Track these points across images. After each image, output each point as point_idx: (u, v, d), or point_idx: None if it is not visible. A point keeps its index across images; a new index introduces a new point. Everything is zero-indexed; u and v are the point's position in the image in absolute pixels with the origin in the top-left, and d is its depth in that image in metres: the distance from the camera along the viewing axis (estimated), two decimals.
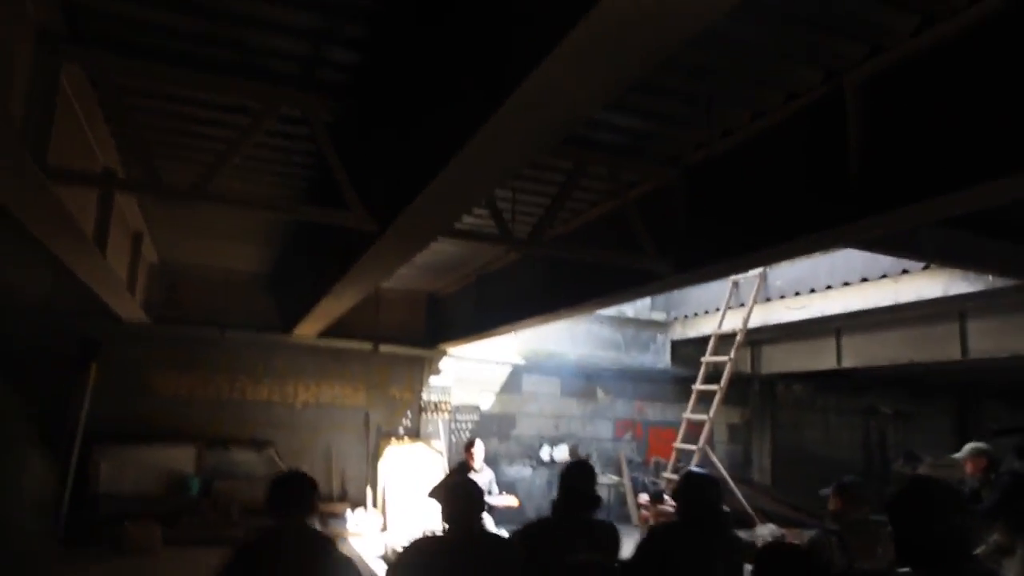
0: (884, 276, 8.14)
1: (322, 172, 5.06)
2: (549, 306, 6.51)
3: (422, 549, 3.20)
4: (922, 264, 7.33)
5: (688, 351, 11.55)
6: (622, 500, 10.70)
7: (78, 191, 4.25)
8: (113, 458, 8.28)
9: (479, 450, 6.81)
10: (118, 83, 3.73)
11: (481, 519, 3.28)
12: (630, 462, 11.18)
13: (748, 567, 3.05)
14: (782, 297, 9.34)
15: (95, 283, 6.05)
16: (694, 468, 4.21)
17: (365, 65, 3.71)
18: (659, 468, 10.97)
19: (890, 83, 3.45)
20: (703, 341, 11.40)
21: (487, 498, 6.71)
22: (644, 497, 8.47)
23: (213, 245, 7.99)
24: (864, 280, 8.16)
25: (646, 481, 10.88)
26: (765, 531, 9.41)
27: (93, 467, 8.14)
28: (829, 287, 8.63)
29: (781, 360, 10.90)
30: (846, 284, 8.41)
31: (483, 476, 6.83)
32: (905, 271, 7.71)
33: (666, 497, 8.21)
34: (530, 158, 3.14)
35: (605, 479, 10.33)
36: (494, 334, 8.39)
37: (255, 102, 3.86)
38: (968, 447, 6.07)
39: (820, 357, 10.39)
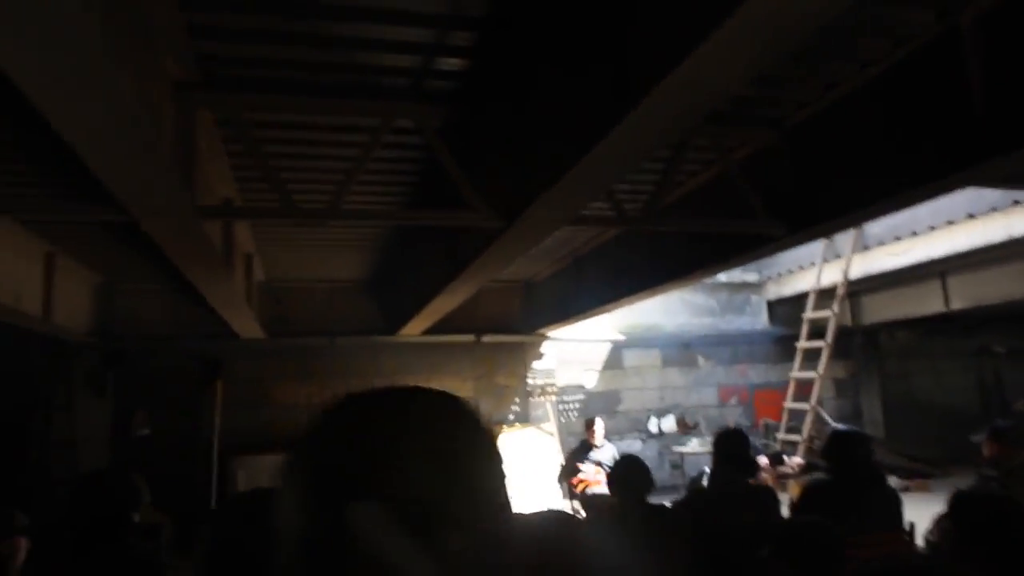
0: (993, 210, 7.84)
1: (426, 177, 5.24)
2: (654, 280, 6.55)
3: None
4: None
5: (784, 310, 11.39)
6: None
7: (211, 222, 4.55)
8: (248, 467, 8.78)
9: (599, 427, 6.93)
10: (245, 119, 3.96)
11: (650, 490, 3.39)
12: (737, 426, 11.11)
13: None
14: (881, 244, 9.10)
15: (223, 305, 6.42)
16: (839, 426, 4.21)
17: (473, 70, 3.84)
18: (769, 430, 10.87)
19: (1008, 15, 3.37)
20: (799, 298, 11.22)
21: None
22: (762, 460, 8.40)
23: (314, 258, 8.32)
24: (971, 217, 7.87)
25: (757, 444, 10.80)
26: (892, 483, 9.24)
27: (231, 477, 8.66)
28: (932, 228, 8.36)
29: (883, 309, 10.57)
30: (950, 223, 8.13)
31: (606, 452, 6.96)
32: (1017, 202, 7.41)
33: (785, 458, 8.15)
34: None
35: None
36: (596, 313, 8.48)
37: (372, 119, 4.03)
38: None
39: (926, 301, 10.05)
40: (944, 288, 9.80)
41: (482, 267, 5.25)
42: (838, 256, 9.64)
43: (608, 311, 8.50)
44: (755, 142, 4.88)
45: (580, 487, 6.77)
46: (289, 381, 9.27)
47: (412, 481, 0.72)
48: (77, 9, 1.83)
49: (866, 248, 9.22)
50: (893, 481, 9.35)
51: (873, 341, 11.74)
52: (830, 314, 9.32)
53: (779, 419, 11.11)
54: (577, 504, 6.86)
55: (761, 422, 11.10)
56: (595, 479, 6.75)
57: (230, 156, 4.68)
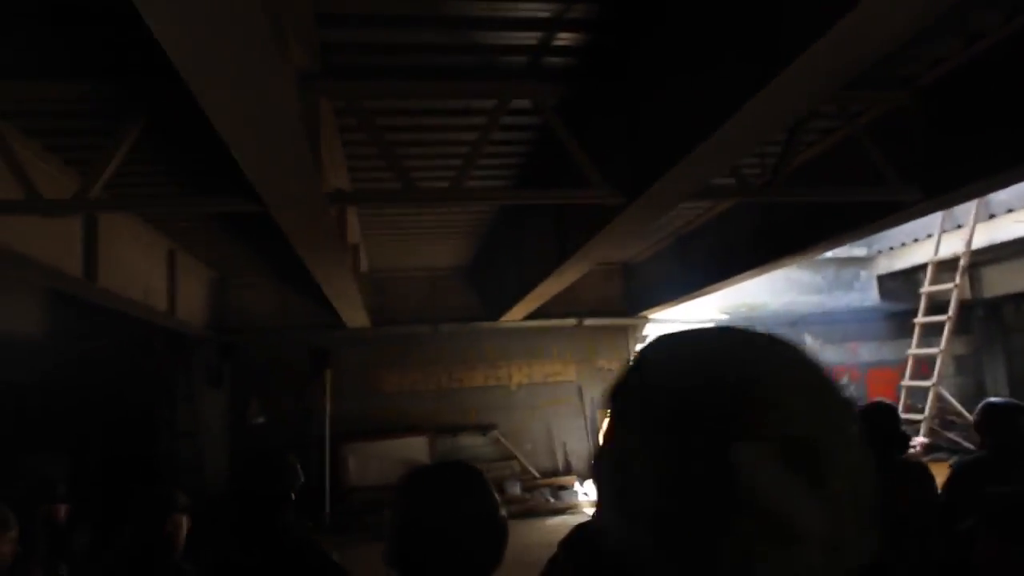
0: None
1: (537, 158, 5.20)
2: (764, 257, 6.31)
3: None
4: None
5: (895, 284, 10.83)
6: None
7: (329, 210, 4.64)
8: (358, 453, 9.02)
9: None
10: (364, 106, 4.01)
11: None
12: None
13: None
14: (1009, 211, 8.51)
15: (336, 294, 6.58)
16: (994, 399, 3.94)
17: (592, 45, 3.76)
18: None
19: None
20: (911, 272, 10.65)
21: None
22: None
23: (415, 247, 8.43)
24: None
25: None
26: None
27: (343, 463, 8.92)
28: None
29: (1008, 280, 9.89)
30: None
31: None
32: None
33: (915, 439, 7.75)
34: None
35: None
36: (701, 294, 8.28)
37: (488, 100, 4.01)
38: None
39: None
40: None
41: (596, 246, 5.17)
42: (959, 226, 9.08)
43: (713, 291, 8.27)
44: (884, 104, 4.61)
45: None
46: (393, 369, 9.46)
47: (791, 419, 0.66)
48: None
49: (992, 216, 8.65)
50: None
51: (996, 315, 11.03)
52: (952, 287, 8.80)
53: (894, 398, 10.62)
54: None
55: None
56: None
57: (345, 144, 4.76)
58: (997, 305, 11.04)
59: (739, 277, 7.55)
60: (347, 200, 3.96)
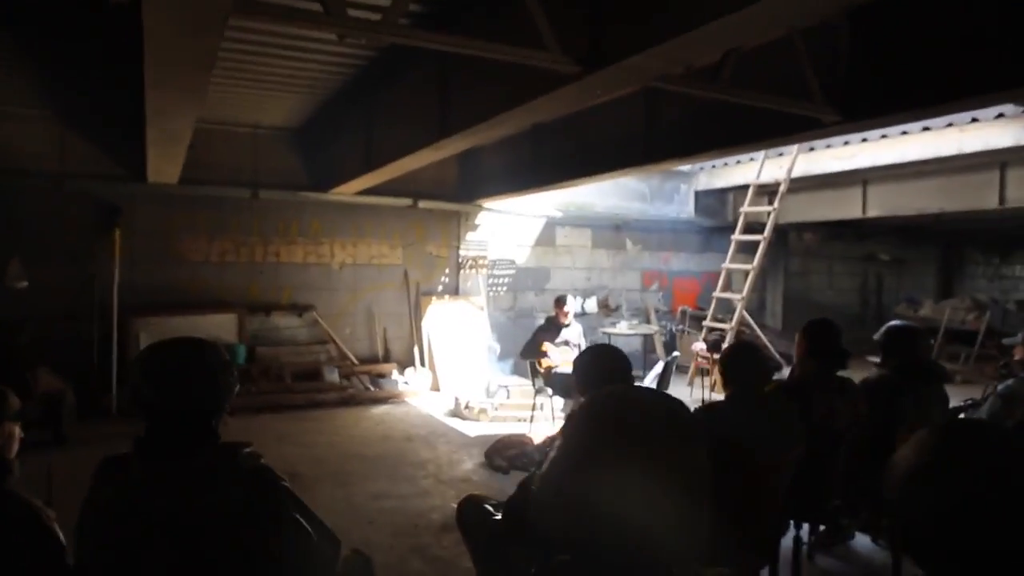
0: (926, 129, 8.07)
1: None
2: (651, 156, 6.10)
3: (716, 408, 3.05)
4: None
5: (710, 202, 11.47)
6: (650, 348, 10.91)
7: None
8: (152, 329, 7.79)
9: (571, 305, 6.65)
10: None
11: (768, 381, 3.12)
12: (656, 311, 11.31)
13: None
14: (829, 147, 9.16)
15: (165, 138, 5.34)
16: (895, 322, 4.13)
17: None
18: (685, 317, 11.15)
19: None
20: (726, 192, 11.31)
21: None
22: (700, 345, 8.60)
23: (242, 98, 7.14)
24: (926, 129, 8.02)
25: (674, 329, 11.09)
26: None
27: (134, 340, 7.67)
28: (884, 136, 8.48)
29: (801, 209, 10.77)
30: (904, 133, 8.26)
31: (574, 330, 6.72)
32: (950, 124, 7.67)
33: (723, 346, 8.34)
34: None
35: (643, 328, 10.45)
36: (555, 188, 8.03)
37: None
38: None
39: (844, 206, 10.41)
40: (864, 195, 10.19)
41: (506, 120, 4.60)
42: (780, 154, 9.66)
43: (564, 188, 8.07)
44: (818, 13, 4.46)
45: (546, 366, 6.53)
46: (200, 236, 8.19)
47: None
48: None
49: (812, 149, 9.27)
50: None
51: (783, 239, 12.15)
52: (771, 209, 9.42)
53: (695, 307, 11.43)
54: (540, 383, 6.63)
55: (679, 309, 11.35)
56: (563, 359, 6.52)
57: None
58: (785, 230, 12.15)
59: (600, 177, 7.39)
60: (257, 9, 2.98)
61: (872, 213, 10.16)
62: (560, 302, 6.64)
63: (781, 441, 2.93)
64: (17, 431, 2.32)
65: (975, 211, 9.21)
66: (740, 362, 3.08)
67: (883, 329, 4.01)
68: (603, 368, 2.60)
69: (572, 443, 1.23)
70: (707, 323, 9.76)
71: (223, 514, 1.74)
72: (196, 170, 7.62)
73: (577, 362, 2.70)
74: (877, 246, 13.69)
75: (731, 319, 9.80)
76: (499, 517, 2.75)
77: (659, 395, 1.29)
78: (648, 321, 11.05)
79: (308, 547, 1.86)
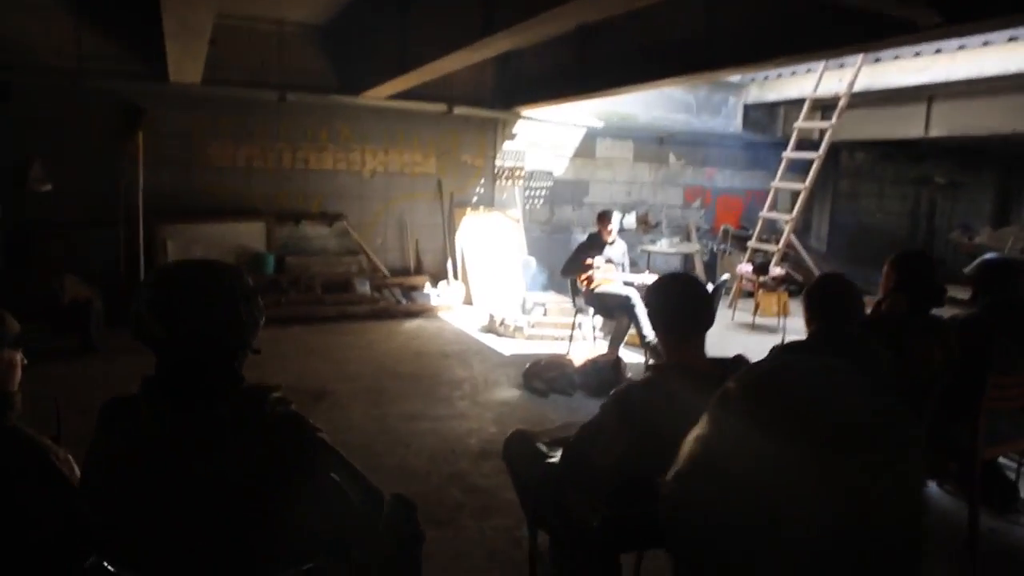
0: (986, 44, 7.35)
1: None
2: (718, 59, 5.52)
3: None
4: None
5: (759, 115, 10.82)
6: (690, 267, 10.54)
7: None
8: (179, 236, 7.58)
9: (616, 221, 6.27)
10: None
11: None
12: (698, 229, 10.87)
13: None
14: (896, 58, 8.44)
15: (183, 31, 4.93)
16: (989, 256, 3.74)
17: None
18: (727, 236, 10.70)
19: None
20: (777, 106, 10.63)
21: (623, 274, 6.35)
22: (746, 267, 8.21)
23: None
24: (1013, 39, 7.29)
25: (716, 249, 10.66)
26: None
27: (160, 247, 7.46)
28: (962, 47, 7.76)
29: (857, 127, 10.07)
30: (987, 44, 7.53)
31: (618, 248, 6.37)
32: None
33: (772, 269, 7.95)
34: None
35: (683, 247, 10.06)
36: (599, 96, 7.49)
37: None
38: None
39: (905, 125, 9.74)
40: (928, 114, 9.49)
41: (558, 16, 4.12)
42: (841, 65, 8.94)
43: (616, 95, 7.53)
44: None
45: (589, 284, 6.21)
46: (225, 140, 7.83)
47: None
48: None
49: (878, 60, 8.55)
50: None
51: (834, 159, 11.49)
52: (828, 125, 8.79)
53: (737, 226, 10.96)
54: (582, 302, 6.34)
55: (721, 228, 10.89)
56: (607, 277, 6.20)
57: None
58: (837, 149, 11.47)
59: (652, 84, 6.86)
60: None
61: (935, 133, 9.50)
62: (604, 217, 6.25)
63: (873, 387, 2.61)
64: (19, 358, 2.02)
65: None
66: (831, 295, 2.73)
67: (976, 263, 3.62)
68: (684, 307, 2.25)
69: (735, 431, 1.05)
70: (752, 244, 9.32)
71: (247, 473, 1.47)
72: (219, 70, 7.21)
73: (652, 297, 2.35)
74: (932, 168, 12.93)
75: (776, 240, 9.36)
76: (554, 460, 2.51)
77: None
78: (689, 239, 10.62)
79: (346, 509, 1.60)
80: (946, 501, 3.86)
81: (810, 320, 2.76)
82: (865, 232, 12.04)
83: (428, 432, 4.59)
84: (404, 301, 8.28)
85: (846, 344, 2.70)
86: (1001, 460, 3.96)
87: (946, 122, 9.31)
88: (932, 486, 3.94)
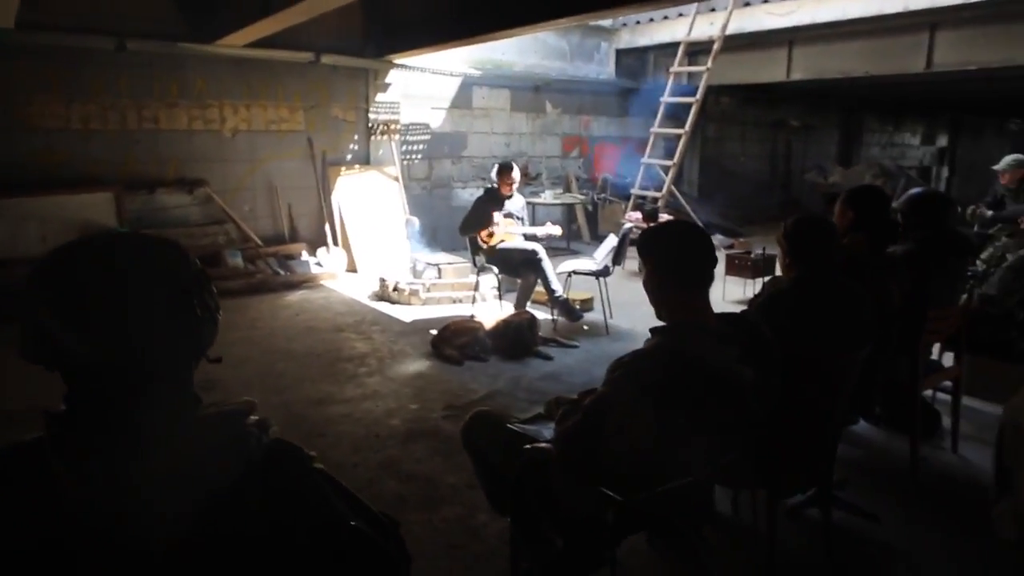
0: None
1: None
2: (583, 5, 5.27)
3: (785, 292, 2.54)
4: None
5: (631, 61, 10.79)
6: (572, 219, 10.43)
7: None
8: (5, 213, 6.48)
9: (517, 175, 5.94)
10: None
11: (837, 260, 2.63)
12: (577, 179, 10.76)
13: None
14: (765, 1, 8.60)
15: None
16: (915, 190, 3.74)
17: None
18: (607, 186, 10.68)
19: None
20: (648, 51, 10.64)
21: (524, 228, 6.08)
22: (636, 215, 8.16)
23: None
24: None
25: (595, 197, 10.61)
26: (715, 242, 9.67)
27: None
28: None
29: (723, 72, 10.29)
30: None
31: (516, 202, 6.07)
32: None
33: (661, 215, 7.95)
34: None
35: (567, 198, 9.92)
36: (475, 42, 7.07)
37: None
38: (1009, 158, 6.10)
39: (768, 69, 10.03)
40: (789, 57, 9.80)
41: None
42: (712, 9, 9.00)
43: (490, 40, 7.14)
44: None
45: (491, 240, 5.89)
46: (54, 97, 6.72)
47: None
48: None
49: (747, 4, 8.66)
50: (716, 240, 9.84)
51: (702, 103, 11.70)
52: (704, 69, 8.85)
53: (614, 174, 10.96)
54: (482, 259, 6.01)
55: (600, 176, 10.85)
56: (509, 232, 5.90)
57: None
58: (704, 96, 11.68)
59: (538, 26, 6.53)
60: None
61: (796, 76, 9.84)
62: (506, 170, 5.91)
63: (858, 332, 2.49)
64: None
65: (900, 75, 9.03)
66: (810, 237, 2.57)
67: (905, 197, 3.63)
68: (695, 258, 1.97)
69: None
70: (635, 191, 9.33)
71: (235, 550, 1.02)
72: (40, 12, 6.14)
73: (656, 249, 2.03)
74: (787, 112, 13.57)
75: (655, 187, 9.43)
76: (543, 445, 2.20)
77: None
78: (569, 190, 10.51)
79: (377, 561, 1.20)
80: (874, 433, 3.94)
81: (791, 264, 2.60)
82: (731, 175, 12.47)
83: (343, 418, 4.15)
84: (282, 272, 7.60)
85: (829, 287, 2.56)
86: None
87: (806, 66, 9.66)
88: (860, 421, 4.01)
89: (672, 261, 1.98)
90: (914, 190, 3.76)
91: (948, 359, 3.98)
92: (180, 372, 1.11)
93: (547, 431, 2.34)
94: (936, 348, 4.02)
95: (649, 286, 2.06)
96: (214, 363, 1.23)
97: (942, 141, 17.39)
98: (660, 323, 2.02)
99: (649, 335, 2.00)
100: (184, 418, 1.08)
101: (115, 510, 0.97)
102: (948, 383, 3.73)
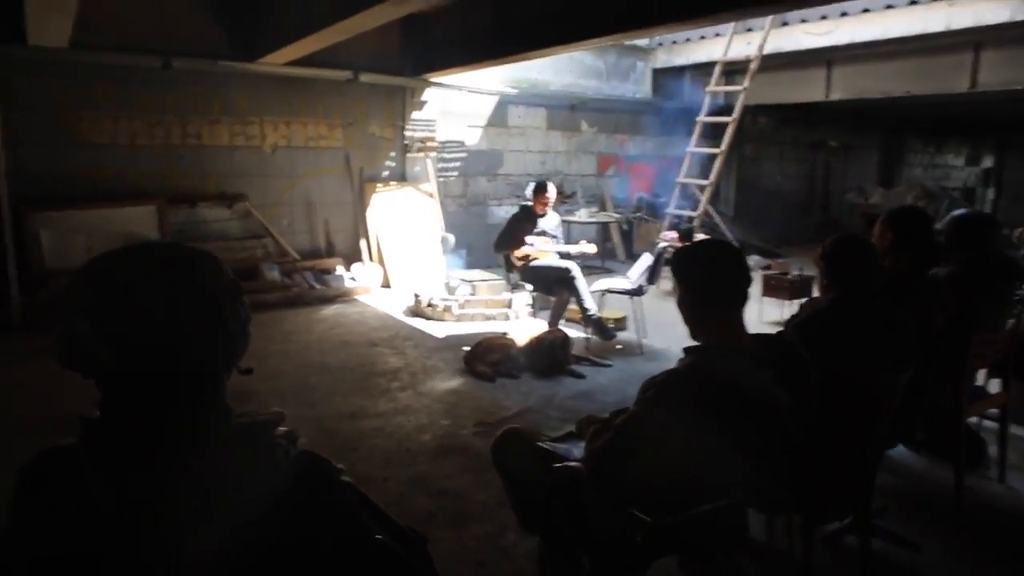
0: (889, 7, 7.57)
1: None
2: (650, 14, 5.25)
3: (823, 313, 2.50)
4: None
5: (667, 80, 10.76)
6: (607, 237, 10.40)
7: None
8: (54, 225, 6.68)
9: (553, 194, 5.95)
10: None
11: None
12: (612, 198, 10.74)
13: None
14: (803, 21, 8.53)
15: None
16: (960, 212, 3.66)
17: None
18: (642, 204, 10.64)
19: None
20: (684, 70, 10.61)
21: (559, 245, 6.07)
22: (671, 235, 8.11)
23: None
24: (914, 3, 7.47)
25: (635, 217, 10.57)
26: (751, 262, 9.55)
27: (32, 239, 6.54)
28: (867, 10, 7.90)
29: (761, 92, 10.19)
30: (889, 7, 7.69)
31: (551, 220, 6.08)
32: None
33: (697, 235, 7.89)
34: None
35: (602, 216, 9.90)
36: (520, 59, 7.13)
37: None
38: None
39: (807, 89, 9.94)
40: (828, 76, 9.70)
41: None
42: (749, 29, 8.96)
43: (537, 58, 7.18)
44: None
45: (525, 259, 5.89)
46: (104, 113, 6.93)
47: None
48: None
49: (785, 24, 8.61)
50: (753, 260, 9.72)
51: (738, 124, 11.63)
52: (741, 89, 8.80)
53: (650, 192, 10.92)
54: (516, 276, 6.01)
55: (636, 195, 10.81)
56: (543, 249, 5.90)
57: None
58: (741, 115, 11.60)
59: (576, 46, 6.56)
60: None
61: (836, 96, 9.74)
62: (541, 190, 5.92)
63: (897, 355, 2.43)
64: None
65: (943, 94, 8.87)
66: (849, 257, 2.52)
67: (948, 219, 3.54)
68: (729, 277, 1.95)
69: None
70: (670, 210, 9.28)
71: (264, 561, 1.02)
72: (91, 32, 6.35)
73: (688, 268, 2.01)
74: (826, 132, 13.40)
75: (690, 207, 9.36)
76: (572, 464, 2.18)
77: None
78: (604, 208, 10.48)
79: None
80: (916, 461, 3.83)
81: (829, 285, 2.55)
82: (768, 195, 12.33)
83: (374, 432, 4.16)
84: (318, 286, 7.69)
85: (868, 308, 2.51)
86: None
87: (845, 85, 9.55)
88: (900, 448, 3.90)
89: (705, 281, 1.96)
90: (958, 211, 3.68)
91: (995, 386, 3.86)
92: (212, 382, 1.13)
93: (577, 450, 2.31)
94: (982, 374, 3.89)
95: (683, 306, 2.03)
96: (245, 374, 1.24)
97: (988, 162, 16.98)
98: (694, 343, 2.00)
99: (683, 355, 1.97)
100: (215, 428, 1.10)
101: (146, 520, 0.99)
102: (995, 410, 3.61)
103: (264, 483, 1.05)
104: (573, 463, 2.18)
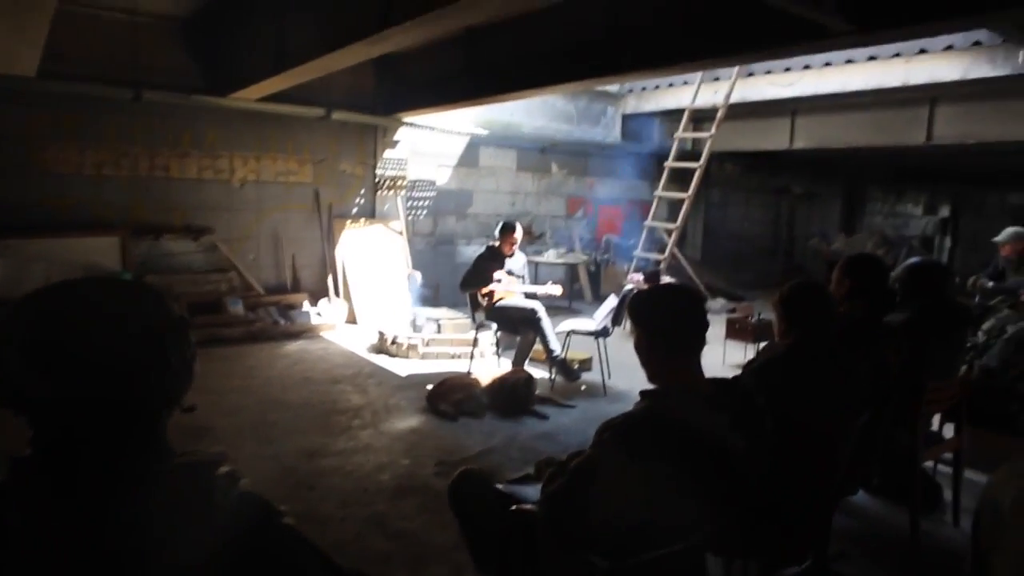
0: (849, 61, 7.87)
1: None
2: (620, 61, 5.37)
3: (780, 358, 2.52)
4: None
5: (636, 126, 10.98)
6: (574, 278, 10.47)
7: None
8: (11, 253, 6.53)
9: (519, 234, 5.99)
10: None
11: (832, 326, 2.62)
12: (580, 239, 10.85)
13: None
14: (768, 72, 8.79)
15: (21, 8, 4.16)
16: (915, 260, 3.76)
17: None
18: (609, 246, 10.75)
19: None
20: (653, 116, 10.84)
21: (525, 286, 6.09)
22: (638, 276, 8.19)
23: None
24: (872, 59, 7.75)
25: (599, 259, 10.67)
26: (716, 305, 9.68)
27: None
28: (828, 64, 8.17)
29: (727, 139, 10.39)
30: (850, 62, 7.97)
31: (518, 260, 6.11)
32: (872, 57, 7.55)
33: (664, 278, 7.98)
34: None
35: (570, 258, 9.97)
36: (493, 101, 7.23)
37: None
38: (1009, 231, 6.12)
39: (772, 137, 10.22)
40: (792, 126, 9.99)
41: (464, 8, 3.80)
42: (716, 78, 9.21)
43: (509, 100, 7.30)
44: None
45: (490, 298, 5.90)
46: (69, 143, 6.86)
47: None
48: None
49: (751, 74, 8.87)
50: (718, 304, 9.84)
51: (706, 169, 11.86)
52: (708, 136, 9.00)
53: (618, 235, 11.05)
54: (481, 316, 6.01)
55: (604, 238, 10.93)
56: (509, 289, 5.92)
57: None
58: (709, 160, 11.84)
59: (548, 90, 6.68)
60: None
61: (799, 145, 10.01)
62: (508, 230, 5.96)
63: (852, 400, 2.47)
64: None
65: (901, 146, 9.17)
66: (806, 303, 2.56)
67: (903, 267, 3.64)
68: (688, 322, 1.97)
69: None
70: (637, 253, 9.39)
71: None
72: (60, 62, 6.31)
73: (648, 313, 2.03)
74: (790, 179, 13.74)
75: (658, 249, 9.48)
76: (529, 507, 2.16)
77: None
78: (573, 250, 10.57)
79: None
80: (872, 504, 3.86)
81: (786, 331, 2.59)
82: (734, 240, 12.54)
83: (333, 470, 4.09)
84: (282, 321, 7.61)
85: (824, 354, 2.55)
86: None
87: (808, 135, 9.83)
88: (860, 493, 3.93)
89: (662, 325, 1.97)
90: (912, 259, 3.78)
91: (949, 431, 3.93)
92: (151, 420, 1.10)
93: (535, 492, 2.30)
94: (937, 419, 3.97)
95: (640, 350, 2.05)
96: (187, 412, 1.22)
97: (944, 212, 17.49)
98: (651, 386, 2.01)
99: (639, 398, 1.98)
100: (152, 469, 1.07)
101: (71, 561, 0.96)
102: (949, 455, 3.67)
103: (202, 527, 1.03)
104: (529, 506, 2.16)
